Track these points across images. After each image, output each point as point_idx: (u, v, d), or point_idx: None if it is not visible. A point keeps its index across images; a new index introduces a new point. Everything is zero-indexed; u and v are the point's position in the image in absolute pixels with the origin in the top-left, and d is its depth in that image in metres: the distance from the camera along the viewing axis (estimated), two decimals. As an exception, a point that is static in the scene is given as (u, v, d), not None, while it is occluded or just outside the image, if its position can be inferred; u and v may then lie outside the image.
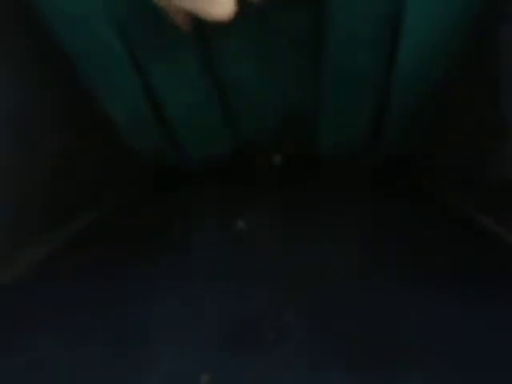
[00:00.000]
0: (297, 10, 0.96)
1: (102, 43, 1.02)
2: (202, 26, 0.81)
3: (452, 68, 1.10)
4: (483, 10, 0.89)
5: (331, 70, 1.16)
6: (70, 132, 1.44)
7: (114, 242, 1.35)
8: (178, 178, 1.79)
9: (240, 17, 0.60)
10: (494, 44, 0.88)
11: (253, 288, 0.88)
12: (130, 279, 1.09)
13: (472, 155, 1.18)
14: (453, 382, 0.66)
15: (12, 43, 1.06)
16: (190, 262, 1.16)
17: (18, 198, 1.31)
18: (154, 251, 1.27)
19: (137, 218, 1.50)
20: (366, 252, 1.01)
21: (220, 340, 0.71)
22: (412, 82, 1.14)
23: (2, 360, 0.74)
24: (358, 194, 1.50)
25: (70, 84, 1.33)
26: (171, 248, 1.22)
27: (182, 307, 0.88)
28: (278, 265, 1.02)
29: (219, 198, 1.58)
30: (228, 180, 1.74)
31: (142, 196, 1.68)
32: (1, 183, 1.23)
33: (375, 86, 1.17)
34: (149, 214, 1.54)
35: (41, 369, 0.80)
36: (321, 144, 1.48)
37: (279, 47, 1.03)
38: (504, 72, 0.83)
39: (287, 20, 0.94)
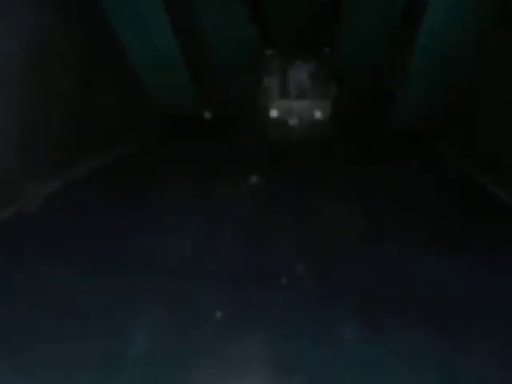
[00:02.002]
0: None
1: None
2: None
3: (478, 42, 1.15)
4: None
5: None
6: (85, 69, 1.47)
7: (124, 184, 1.43)
8: (192, 127, 1.85)
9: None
10: None
11: (268, 240, 0.96)
12: (144, 214, 1.21)
13: (503, 134, 1.23)
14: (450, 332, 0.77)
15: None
16: (206, 207, 1.23)
17: (30, 132, 1.37)
18: (171, 191, 1.36)
19: (151, 161, 1.56)
20: (374, 213, 1.08)
21: (234, 281, 0.80)
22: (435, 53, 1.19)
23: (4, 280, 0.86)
24: (370, 157, 1.58)
25: (90, 19, 1.36)
26: (189, 190, 1.30)
27: (195, 246, 0.97)
28: (293, 218, 1.10)
29: (231, 152, 1.64)
30: (239, 133, 1.82)
31: (155, 142, 1.74)
32: (13, 115, 1.29)
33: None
34: (163, 159, 1.61)
35: (38, 284, 0.92)
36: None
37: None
38: None
39: None
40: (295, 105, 3.24)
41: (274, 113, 3.12)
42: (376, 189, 1.48)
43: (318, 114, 3.18)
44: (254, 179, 1.20)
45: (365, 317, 0.71)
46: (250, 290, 0.73)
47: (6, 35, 1.02)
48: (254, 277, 0.75)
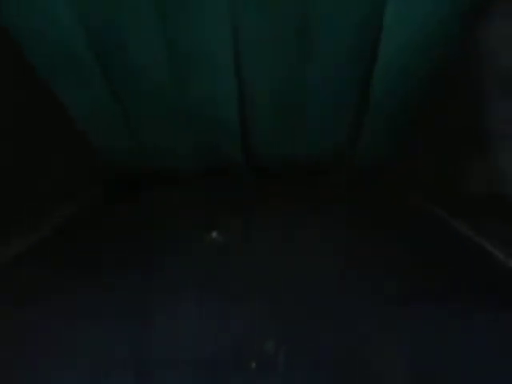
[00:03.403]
0: (284, 11, 0.91)
1: (61, 29, 0.93)
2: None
3: (433, 73, 1.05)
4: (464, 13, 0.84)
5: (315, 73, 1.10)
6: (29, 133, 1.28)
7: (70, 256, 1.21)
8: (140, 186, 1.65)
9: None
10: (478, 47, 0.83)
11: (233, 311, 0.81)
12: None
13: (451, 164, 1.13)
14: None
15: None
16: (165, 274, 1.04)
17: None
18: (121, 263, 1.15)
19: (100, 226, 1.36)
20: (343, 268, 0.95)
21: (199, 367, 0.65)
22: (391, 87, 1.08)
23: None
24: (334, 205, 1.43)
25: (28, 82, 1.18)
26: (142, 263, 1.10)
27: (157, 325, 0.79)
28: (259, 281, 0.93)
29: (190, 208, 1.46)
30: (197, 189, 1.62)
31: (103, 206, 1.53)
32: None
33: (354, 90, 1.11)
34: (116, 222, 1.40)
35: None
36: (297, 152, 1.39)
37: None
38: (488, 76, 0.78)
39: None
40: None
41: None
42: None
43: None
44: (214, 235, 1.05)
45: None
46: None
47: None
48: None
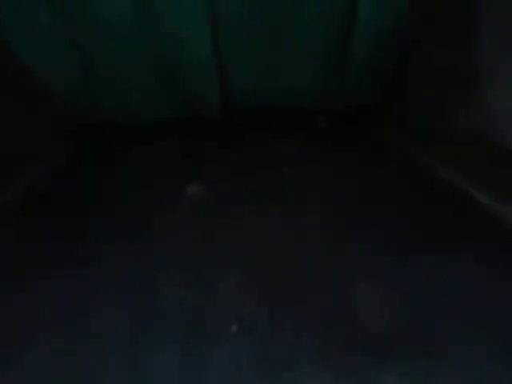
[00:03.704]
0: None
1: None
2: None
3: (417, 8, 0.96)
4: None
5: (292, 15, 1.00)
6: None
7: (50, 213, 1.15)
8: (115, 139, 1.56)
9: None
10: None
11: (215, 273, 0.79)
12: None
13: (437, 105, 1.09)
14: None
15: None
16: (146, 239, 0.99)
17: None
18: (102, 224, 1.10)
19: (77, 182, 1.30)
20: (330, 219, 0.93)
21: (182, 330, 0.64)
22: (373, 29, 1.01)
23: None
24: (320, 146, 1.37)
25: None
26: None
27: (135, 290, 0.76)
28: (240, 239, 0.90)
29: (170, 157, 1.40)
30: (177, 137, 1.54)
31: (79, 157, 1.47)
32: None
33: (334, 31, 1.03)
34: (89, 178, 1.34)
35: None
36: (275, 91, 1.32)
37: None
38: (479, 10, 0.71)
39: None
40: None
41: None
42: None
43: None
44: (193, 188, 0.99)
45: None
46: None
47: None
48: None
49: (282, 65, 1.03)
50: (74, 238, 0.84)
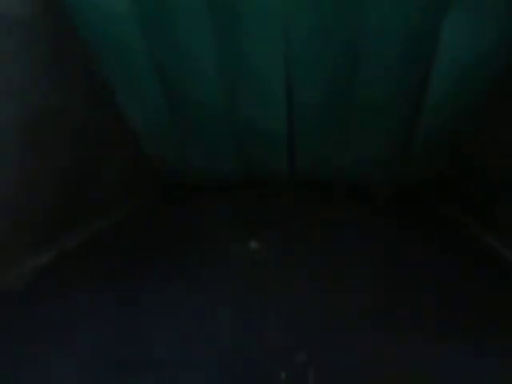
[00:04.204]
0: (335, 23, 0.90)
1: (126, 43, 0.98)
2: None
3: (491, 85, 1.01)
4: None
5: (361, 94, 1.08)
6: (82, 140, 1.35)
7: (120, 254, 1.26)
8: (190, 192, 1.68)
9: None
10: None
11: (265, 324, 0.81)
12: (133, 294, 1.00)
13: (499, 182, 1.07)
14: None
15: (35, 38, 1.00)
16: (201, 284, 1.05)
17: (27, 203, 1.23)
18: (167, 268, 1.17)
19: (148, 231, 1.40)
20: (378, 293, 0.91)
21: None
22: (445, 100, 1.05)
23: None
24: (372, 221, 1.37)
25: (91, 92, 1.26)
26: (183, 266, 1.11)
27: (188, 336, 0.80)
28: (292, 299, 0.92)
29: (232, 218, 1.47)
30: (241, 199, 1.63)
31: (153, 208, 1.59)
32: (9, 190, 1.16)
33: (404, 103, 1.08)
34: (162, 226, 1.44)
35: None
36: (343, 167, 1.36)
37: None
38: None
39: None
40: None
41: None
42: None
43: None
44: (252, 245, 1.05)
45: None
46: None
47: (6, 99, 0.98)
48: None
49: (349, 143, 1.08)
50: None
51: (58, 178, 1.20)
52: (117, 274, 1.00)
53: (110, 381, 0.64)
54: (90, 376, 0.66)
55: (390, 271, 0.94)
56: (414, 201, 1.32)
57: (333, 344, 0.66)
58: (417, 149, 1.04)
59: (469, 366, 0.64)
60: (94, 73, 1.15)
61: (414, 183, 1.21)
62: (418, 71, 0.90)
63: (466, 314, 0.74)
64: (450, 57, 0.83)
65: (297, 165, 1.20)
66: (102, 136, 1.23)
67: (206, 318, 0.77)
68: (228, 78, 0.97)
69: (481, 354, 0.64)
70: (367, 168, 1.18)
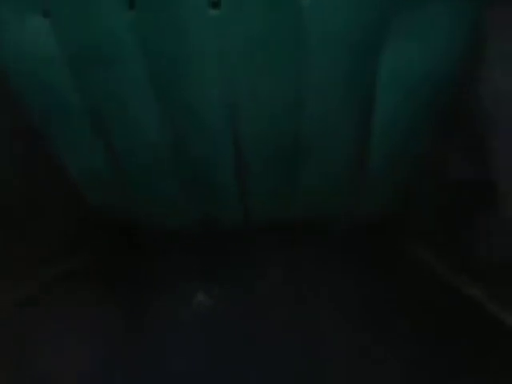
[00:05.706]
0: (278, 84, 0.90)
1: (60, 97, 0.94)
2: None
3: (438, 121, 0.99)
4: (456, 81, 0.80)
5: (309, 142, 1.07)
6: (30, 189, 1.28)
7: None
8: (140, 239, 1.61)
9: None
10: (474, 103, 0.78)
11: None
12: None
13: (458, 221, 1.05)
14: None
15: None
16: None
17: None
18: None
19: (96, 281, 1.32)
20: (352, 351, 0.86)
21: None
22: (393, 139, 1.03)
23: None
24: (328, 261, 1.33)
25: (28, 139, 1.19)
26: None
27: None
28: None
29: (183, 267, 1.42)
30: (194, 248, 1.57)
31: (102, 259, 1.51)
32: None
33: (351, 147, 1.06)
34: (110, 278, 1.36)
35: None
36: (298, 211, 1.33)
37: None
38: (488, 128, 0.72)
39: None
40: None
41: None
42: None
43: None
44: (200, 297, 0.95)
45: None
46: None
47: None
48: None
49: (301, 185, 1.07)
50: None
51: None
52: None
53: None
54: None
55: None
56: (373, 233, 1.30)
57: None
58: (369, 178, 1.02)
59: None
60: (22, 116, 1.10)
61: (371, 215, 1.18)
62: (362, 115, 0.91)
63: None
64: (391, 99, 0.85)
65: (251, 214, 1.17)
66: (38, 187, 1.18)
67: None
68: (170, 129, 0.95)
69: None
70: (322, 205, 1.16)
